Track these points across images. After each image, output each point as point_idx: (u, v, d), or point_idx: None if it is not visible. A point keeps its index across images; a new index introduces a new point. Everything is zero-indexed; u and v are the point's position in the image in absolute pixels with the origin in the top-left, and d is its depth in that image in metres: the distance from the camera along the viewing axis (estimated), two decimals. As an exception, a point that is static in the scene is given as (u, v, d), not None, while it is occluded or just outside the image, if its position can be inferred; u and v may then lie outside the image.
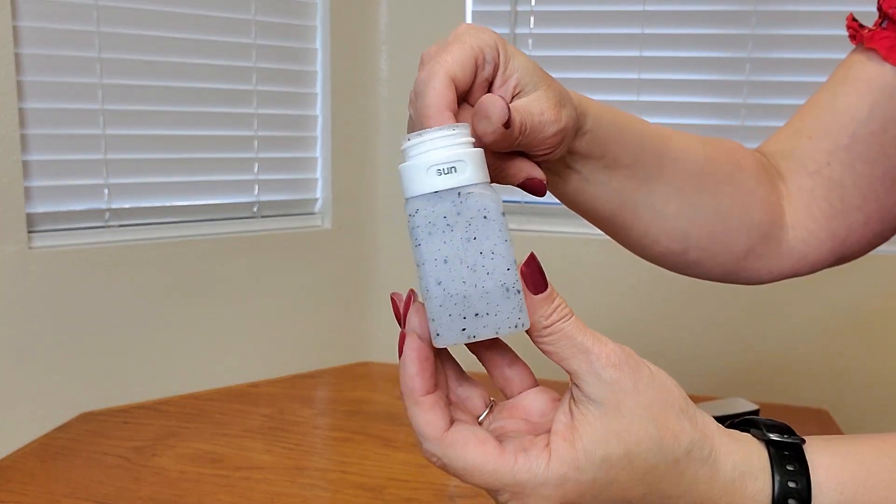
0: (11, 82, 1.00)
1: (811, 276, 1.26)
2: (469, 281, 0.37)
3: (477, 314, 0.37)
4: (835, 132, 0.59)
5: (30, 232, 1.06)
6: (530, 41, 1.31)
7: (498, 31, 1.36)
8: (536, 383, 0.43)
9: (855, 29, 0.60)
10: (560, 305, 0.38)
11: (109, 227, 1.14)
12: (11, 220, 1.02)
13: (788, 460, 0.39)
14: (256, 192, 1.28)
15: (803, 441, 0.40)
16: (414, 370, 0.38)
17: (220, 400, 1.18)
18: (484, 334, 0.38)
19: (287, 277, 1.29)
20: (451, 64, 0.39)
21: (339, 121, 1.32)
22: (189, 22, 1.17)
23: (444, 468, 0.38)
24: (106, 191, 1.13)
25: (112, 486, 0.91)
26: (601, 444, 0.37)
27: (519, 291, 0.37)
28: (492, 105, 0.38)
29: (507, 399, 0.43)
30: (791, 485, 0.38)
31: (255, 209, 1.28)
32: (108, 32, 1.10)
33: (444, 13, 1.31)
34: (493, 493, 0.38)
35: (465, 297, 0.37)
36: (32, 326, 1.06)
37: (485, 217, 0.37)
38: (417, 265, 0.38)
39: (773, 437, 0.40)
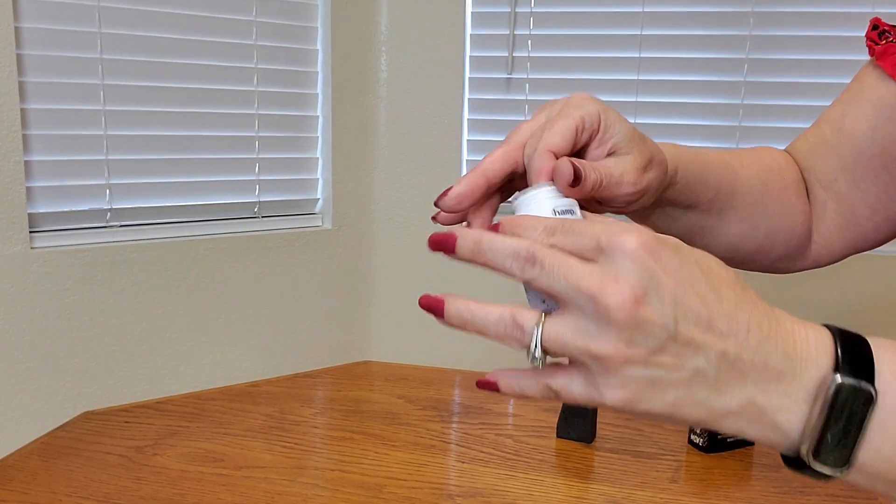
0: (13, 83, 1.01)
1: (810, 277, 1.27)
2: None
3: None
4: (840, 153, 0.63)
5: (31, 232, 1.06)
6: (529, 42, 1.31)
7: (497, 32, 1.37)
8: None
9: (873, 40, 0.62)
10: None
11: (111, 227, 1.15)
12: (13, 221, 1.03)
13: (849, 333, 0.39)
14: (257, 192, 1.28)
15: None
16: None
17: (220, 399, 1.19)
18: None
19: (287, 277, 1.30)
20: (552, 139, 0.46)
21: (340, 121, 1.32)
22: (190, 23, 1.17)
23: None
24: (107, 191, 1.14)
25: (113, 485, 0.91)
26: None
27: None
28: (560, 167, 0.45)
29: None
30: (851, 336, 0.38)
31: (255, 209, 1.29)
32: (110, 34, 1.10)
33: (443, 14, 1.31)
34: (592, 245, 0.38)
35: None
36: (34, 326, 1.06)
37: None
38: None
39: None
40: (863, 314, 1.25)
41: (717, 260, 0.40)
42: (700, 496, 0.91)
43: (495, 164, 0.47)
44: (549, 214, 0.43)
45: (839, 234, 0.64)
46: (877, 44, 0.61)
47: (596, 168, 0.46)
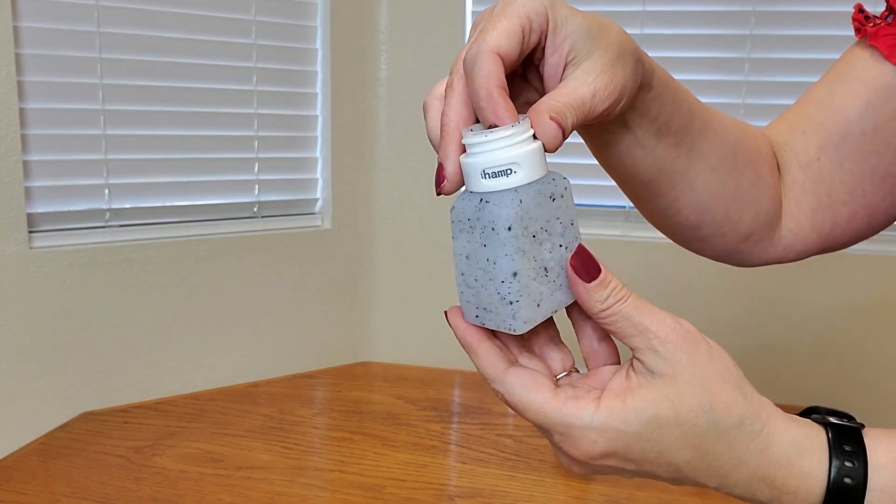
0: (12, 82, 1.00)
1: (807, 275, 1.26)
2: (480, 280, 0.40)
3: (485, 308, 0.40)
4: (827, 129, 0.59)
5: (30, 232, 1.06)
6: (530, 41, 1.31)
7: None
8: (619, 362, 0.44)
9: (861, 22, 0.59)
10: (615, 289, 0.40)
11: (110, 227, 1.14)
12: (12, 220, 1.02)
13: (846, 441, 0.40)
14: (257, 192, 1.28)
15: (862, 426, 0.41)
16: (462, 329, 0.42)
17: (220, 400, 1.19)
18: (490, 326, 0.41)
19: (287, 277, 1.29)
20: (496, 40, 0.39)
21: (339, 121, 1.32)
22: (190, 22, 1.17)
23: (507, 404, 0.41)
24: (106, 191, 1.14)
25: (112, 485, 0.91)
26: (652, 405, 0.38)
27: (511, 303, 0.39)
28: (543, 132, 0.39)
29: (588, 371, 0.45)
30: (848, 464, 0.39)
31: (255, 209, 1.28)
32: (109, 33, 1.10)
33: (443, 14, 1.31)
34: (545, 431, 0.41)
35: (477, 291, 0.40)
36: (33, 326, 1.06)
37: (493, 229, 0.38)
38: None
39: (833, 420, 0.41)
40: (865, 315, 1.25)
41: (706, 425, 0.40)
42: (700, 496, 0.91)
43: (461, 114, 0.40)
44: (483, 178, 0.38)
45: (813, 217, 0.61)
46: (863, 25, 0.59)
47: (569, 105, 0.40)
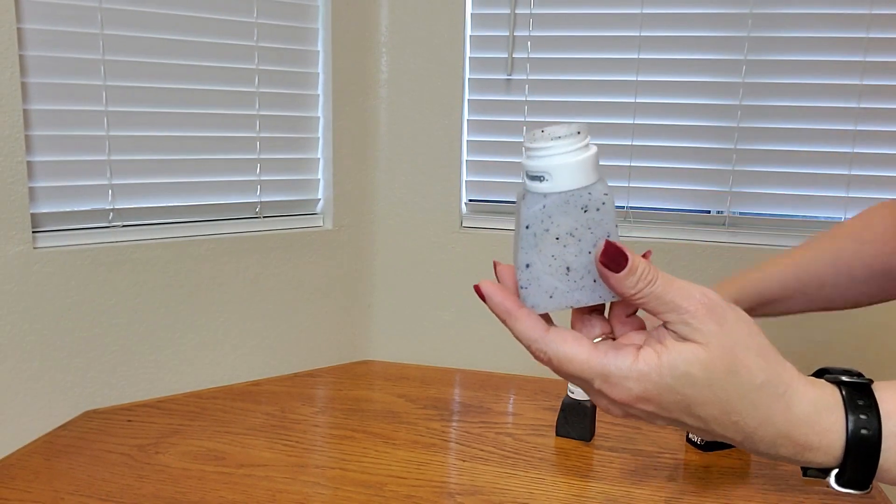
0: (16, 84, 1.01)
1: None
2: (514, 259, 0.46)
3: (522, 286, 0.45)
4: None
5: (34, 232, 1.07)
6: (529, 43, 1.32)
7: (497, 33, 1.38)
8: (645, 328, 0.48)
9: None
10: (644, 273, 0.42)
11: (113, 227, 1.15)
12: (16, 221, 1.03)
13: (859, 397, 0.44)
14: (258, 192, 1.29)
15: (871, 381, 0.45)
16: (499, 298, 0.45)
17: (222, 398, 1.19)
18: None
19: (288, 277, 1.30)
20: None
21: (341, 122, 1.33)
22: (192, 25, 1.18)
23: (549, 363, 0.45)
24: (109, 191, 1.14)
25: (116, 483, 0.92)
26: (684, 364, 0.42)
27: (523, 287, 0.44)
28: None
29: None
30: (862, 417, 0.43)
31: (257, 210, 1.29)
32: (112, 35, 1.11)
33: (443, 16, 1.32)
34: (584, 382, 0.44)
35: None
36: (37, 325, 1.07)
37: (519, 223, 0.44)
38: None
39: (844, 378, 0.45)
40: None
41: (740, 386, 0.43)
42: (698, 494, 0.91)
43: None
44: (524, 181, 0.44)
45: None
46: None
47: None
